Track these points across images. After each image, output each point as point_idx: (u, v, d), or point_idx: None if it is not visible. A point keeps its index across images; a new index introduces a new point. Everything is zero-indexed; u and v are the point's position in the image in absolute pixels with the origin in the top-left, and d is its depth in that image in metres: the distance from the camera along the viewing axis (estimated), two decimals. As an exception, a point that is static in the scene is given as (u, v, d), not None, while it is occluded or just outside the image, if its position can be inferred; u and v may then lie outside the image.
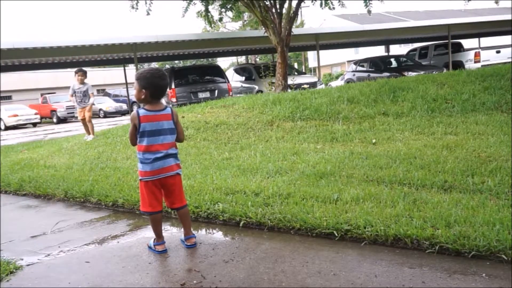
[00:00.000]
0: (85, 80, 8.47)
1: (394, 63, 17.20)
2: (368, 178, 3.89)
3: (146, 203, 2.86)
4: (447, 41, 18.85)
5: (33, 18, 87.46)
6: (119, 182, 4.59)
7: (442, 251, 2.50)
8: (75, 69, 8.67)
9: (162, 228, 2.99)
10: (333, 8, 12.12)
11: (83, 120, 8.51)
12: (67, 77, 36.94)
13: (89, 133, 8.42)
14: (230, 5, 11.92)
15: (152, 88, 2.77)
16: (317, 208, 3.18)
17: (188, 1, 11.96)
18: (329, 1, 11.92)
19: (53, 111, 24.07)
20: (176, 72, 14.29)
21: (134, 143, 2.86)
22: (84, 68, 8.82)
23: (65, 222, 3.79)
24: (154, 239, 2.95)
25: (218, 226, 3.32)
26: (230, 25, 32.15)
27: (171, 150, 2.86)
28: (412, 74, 13.52)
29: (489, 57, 17.98)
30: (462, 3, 13.74)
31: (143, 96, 2.78)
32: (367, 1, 11.21)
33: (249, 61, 33.79)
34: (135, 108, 23.77)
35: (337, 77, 32.93)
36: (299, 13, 13.81)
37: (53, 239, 3.33)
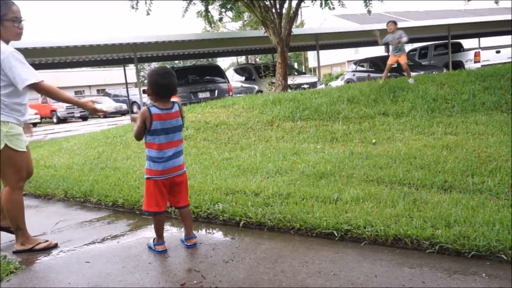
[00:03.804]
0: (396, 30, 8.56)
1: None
2: (368, 178, 3.89)
3: (152, 203, 2.83)
4: (447, 41, 18.83)
5: (33, 18, 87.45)
6: (119, 182, 4.59)
7: (442, 251, 2.50)
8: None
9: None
10: (333, 8, 12.12)
11: (389, 66, 8.66)
12: (67, 77, 37.06)
13: (410, 77, 8.52)
14: (230, 5, 11.91)
15: (154, 86, 2.77)
16: (317, 208, 3.18)
17: (188, 1, 11.96)
18: (329, 1, 11.92)
19: (53, 111, 24.06)
20: (176, 72, 14.20)
21: (139, 138, 2.85)
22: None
23: (65, 222, 3.79)
24: (154, 239, 2.95)
25: (218, 226, 3.32)
26: (230, 25, 32.12)
27: (179, 148, 2.88)
28: (412, 74, 13.47)
29: (489, 57, 17.98)
30: (462, 3, 13.73)
31: (148, 94, 2.85)
32: (367, 1, 11.21)
33: (249, 61, 33.78)
34: (135, 107, 23.87)
35: (337, 77, 32.92)
36: (299, 13, 13.81)
37: (53, 239, 3.32)
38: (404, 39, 8.28)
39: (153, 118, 2.73)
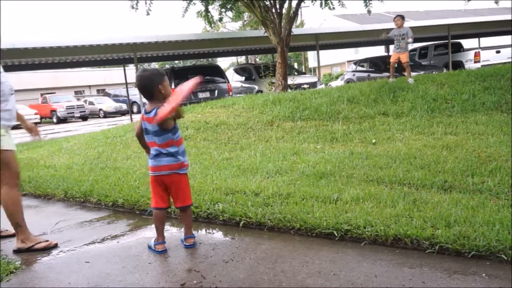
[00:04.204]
0: (404, 25, 8.53)
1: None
2: (368, 178, 3.89)
3: (152, 198, 2.97)
4: (447, 41, 18.83)
5: (33, 18, 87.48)
6: (119, 182, 4.59)
7: (442, 251, 2.50)
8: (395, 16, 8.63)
9: (164, 228, 2.99)
10: (333, 8, 12.12)
11: (393, 63, 8.62)
12: (67, 77, 37.07)
13: (410, 76, 8.46)
14: (230, 5, 11.91)
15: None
16: (317, 208, 3.18)
17: (188, 1, 11.96)
18: (329, 1, 11.92)
19: (53, 111, 24.08)
20: (176, 72, 14.27)
21: (137, 135, 3.05)
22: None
23: (65, 222, 3.79)
24: (155, 239, 2.95)
25: (218, 226, 3.33)
26: (230, 25, 32.10)
27: (165, 149, 2.85)
28: (412, 74, 13.48)
29: (489, 57, 17.97)
30: (462, 3, 13.73)
31: None
32: (367, 1, 11.22)
33: (249, 61, 33.77)
34: (135, 108, 23.87)
35: (337, 77, 32.90)
36: (299, 13, 13.81)
37: (53, 239, 3.32)
38: (410, 40, 8.28)
39: (142, 118, 2.93)
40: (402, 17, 8.57)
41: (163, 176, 2.88)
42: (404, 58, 8.44)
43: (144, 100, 3.18)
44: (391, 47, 8.77)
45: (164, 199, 2.93)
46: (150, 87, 2.83)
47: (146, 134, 2.91)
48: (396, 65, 8.88)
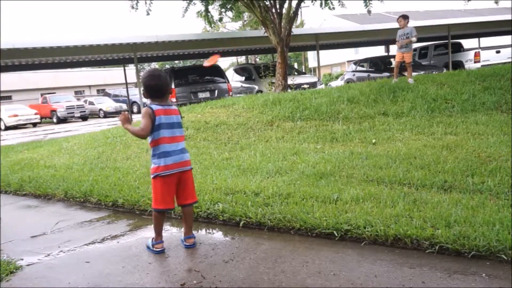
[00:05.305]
0: (407, 25, 8.56)
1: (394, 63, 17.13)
2: (368, 178, 3.89)
3: (163, 199, 2.83)
4: (447, 41, 18.83)
5: (33, 18, 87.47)
6: (119, 182, 4.59)
7: (442, 251, 2.50)
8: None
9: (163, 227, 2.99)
10: (333, 8, 12.12)
11: (398, 63, 8.67)
12: (67, 77, 37.08)
13: (410, 76, 8.50)
14: (230, 5, 11.92)
15: (147, 87, 2.86)
16: (317, 208, 3.18)
17: (188, 1, 11.96)
18: (329, 1, 11.93)
19: (53, 111, 24.07)
20: (176, 72, 14.28)
21: (147, 133, 2.77)
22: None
23: (65, 222, 3.79)
24: (153, 239, 2.95)
25: (218, 226, 3.32)
26: (230, 25, 32.11)
27: (184, 144, 2.91)
28: (412, 74, 13.45)
29: (489, 57, 17.96)
30: (462, 3, 13.72)
31: (144, 96, 2.93)
32: (367, 1, 11.22)
33: (249, 61, 33.77)
34: (135, 107, 23.87)
35: (337, 77, 32.90)
36: (299, 13, 13.81)
37: (53, 239, 3.33)
38: (414, 39, 8.31)
39: (156, 113, 2.78)
40: (404, 17, 8.59)
41: (184, 172, 2.87)
42: (408, 58, 8.47)
43: (145, 100, 3.19)
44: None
45: (173, 200, 2.91)
46: (168, 85, 2.92)
47: (166, 129, 2.79)
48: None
